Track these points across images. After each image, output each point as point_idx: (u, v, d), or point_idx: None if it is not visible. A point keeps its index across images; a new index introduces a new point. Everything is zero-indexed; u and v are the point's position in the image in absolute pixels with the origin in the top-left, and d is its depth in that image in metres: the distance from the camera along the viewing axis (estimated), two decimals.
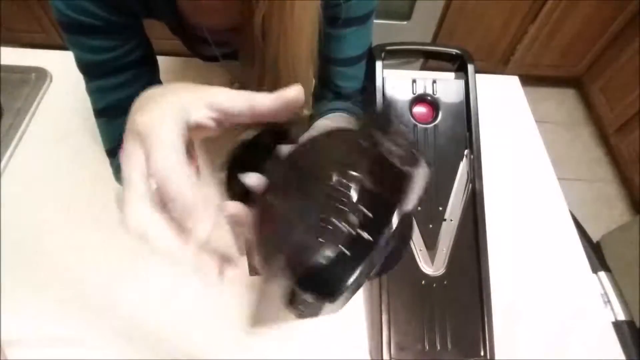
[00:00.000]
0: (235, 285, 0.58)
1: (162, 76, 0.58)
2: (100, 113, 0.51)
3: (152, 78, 0.53)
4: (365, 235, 0.24)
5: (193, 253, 0.23)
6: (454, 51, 0.58)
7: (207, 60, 0.74)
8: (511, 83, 0.86)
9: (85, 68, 0.49)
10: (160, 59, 0.56)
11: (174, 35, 0.64)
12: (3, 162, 0.67)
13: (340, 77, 0.57)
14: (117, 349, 0.52)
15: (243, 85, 0.57)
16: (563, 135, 1.94)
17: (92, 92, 0.50)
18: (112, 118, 0.51)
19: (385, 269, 0.30)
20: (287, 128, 0.38)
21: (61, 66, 0.79)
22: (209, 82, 0.88)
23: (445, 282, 0.51)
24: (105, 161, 0.55)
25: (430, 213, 0.53)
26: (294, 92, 0.26)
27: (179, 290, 0.57)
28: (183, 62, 0.80)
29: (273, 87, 0.55)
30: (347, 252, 0.24)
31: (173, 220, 0.23)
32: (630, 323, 0.82)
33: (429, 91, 0.57)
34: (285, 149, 0.28)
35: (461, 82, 0.57)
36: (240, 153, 0.39)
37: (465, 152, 0.56)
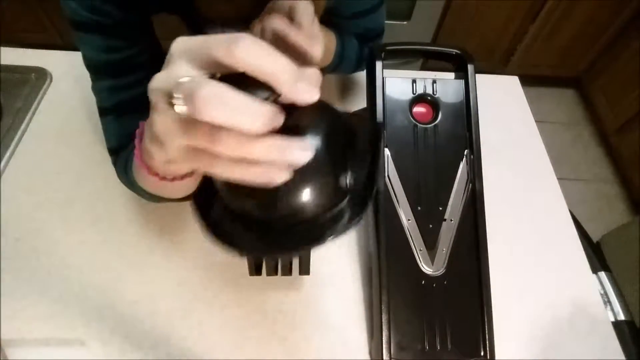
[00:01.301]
0: (234, 286, 0.58)
1: None
2: (107, 111, 0.51)
3: None
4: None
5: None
6: (453, 51, 0.58)
7: None
8: (511, 83, 0.86)
9: (95, 67, 0.48)
10: None
11: (186, 29, 0.64)
12: (3, 162, 0.67)
13: (343, 31, 0.61)
14: (117, 349, 0.52)
15: None
16: (563, 135, 1.94)
17: (100, 91, 0.50)
18: (119, 116, 0.51)
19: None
20: None
21: (61, 66, 0.79)
22: None
23: (445, 282, 0.51)
24: (105, 161, 0.55)
25: (430, 213, 0.53)
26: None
27: (179, 290, 0.57)
28: None
29: None
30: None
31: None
32: (630, 323, 0.82)
33: (429, 91, 0.57)
34: None
35: (461, 82, 0.57)
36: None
37: (465, 152, 0.56)
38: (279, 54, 0.21)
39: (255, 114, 0.20)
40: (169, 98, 0.21)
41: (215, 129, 0.20)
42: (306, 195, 0.26)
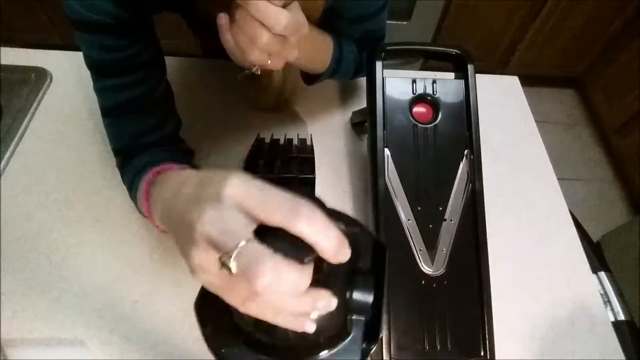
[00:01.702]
0: None
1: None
2: (109, 112, 0.51)
3: (160, 78, 0.53)
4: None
5: None
6: (453, 51, 0.58)
7: (219, 57, 0.74)
8: (511, 83, 0.86)
9: (96, 67, 0.48)
10: None
11: (189, 29, 0.64)
12: (3, 162, 0.67)
13: (344, 34, 0.61)
14: (117, 349, 0.52)
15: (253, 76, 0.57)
16: (563, 135, 1.94)
17: (101, 90, 0.50)
18: (121, 117, 0.51)
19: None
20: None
21: (61, 66, 0.79)
22: (212, 80, 0.88)
23: (445, 282, 0.51)
24: (105, 161, 0.55)
25: (430, 213, 0.53)
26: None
27: (179, 290, 0.57)
28: (185, 62, 0.80)
29: (283, 77, 0.58)
30: None
31: None
32: (630, 323, 0.82)
33: (429, 91, 0.57)
34: None
35: (461, 82, 0.57)
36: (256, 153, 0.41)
37: (465, 152, 0.56)
38: (331, 225, 0.23)
39: (299, 283, 0.22)
40: (220, 250, 0.22)
41: (255, 292, 0.22)
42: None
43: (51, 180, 0.66)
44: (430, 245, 0.52)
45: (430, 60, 0.62)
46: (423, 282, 0.51)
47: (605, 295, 0.84)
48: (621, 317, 0.82)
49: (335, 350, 0.28)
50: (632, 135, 1.68)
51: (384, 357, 0.48)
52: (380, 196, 0.53)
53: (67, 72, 0.78)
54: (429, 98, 0.57)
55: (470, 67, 0.57)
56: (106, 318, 0.54)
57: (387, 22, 0.65)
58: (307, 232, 0.23)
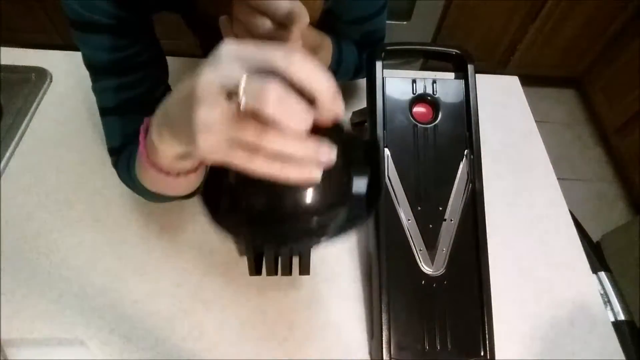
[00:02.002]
0: (234, 286, 0.58)
1: None
2: (108, 112, 0.51)
3: (161, 79, 0.53)
4: None
5: None
6: (453, 51, 0.58)
7: None
8: (511, 83, 0.86)
9: (95, 67, 0.48)
10: None
11: (189, 29, 0.63)
12: (3, 162, 0.67)
13: (343, 35, 0.61)
14: (117, 349, 0.52)
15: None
16: (563, 135, 1.94)
17: (100, 91, 0.50)
18: (120, 116, 0.51)
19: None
20: None
21: (61, 66, 0.79)
22: None
23: (445, 282, 0.51)
24: (105, 161, 0.55)
25: (430, 213, 0.53)
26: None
27: (178, 290, 0.57)
28: (184, 62, 0.80)
29: None
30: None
31: None
32: (630, 323, 0.82)
33: (429, 91, 0.57)
34: None
35: (461, 82, 0.57)
36: None
37: (465, 152, 0.56)
38: (326, 70, 0.24)
39: (305, 115, 0.23)
40: (225, 93, 0.22)
41: (264, 126, 0.22)
42: (314, 194, 0.28)
43: (51, 180, 0.66)
44: (430, 245, 0.52)
45: (430, 60, 0.62)
46: (423, 282, 0.51)
47: (605, 295, 0.84)
48: (621, 317, 0.82)
49: (339, 212, 0.30)
50: (632, 135, 1.68)
51: (384, 357, 0.48)
52: (381, 196, 0.53)
53: (67, 72, 0.78)
54: (429, 98, 0.57)
55: (470, 67, 0.57)
56: (106, 318, 0.54)
57: (387, 22, 0.65)
58: (303, 71, 0.23)
